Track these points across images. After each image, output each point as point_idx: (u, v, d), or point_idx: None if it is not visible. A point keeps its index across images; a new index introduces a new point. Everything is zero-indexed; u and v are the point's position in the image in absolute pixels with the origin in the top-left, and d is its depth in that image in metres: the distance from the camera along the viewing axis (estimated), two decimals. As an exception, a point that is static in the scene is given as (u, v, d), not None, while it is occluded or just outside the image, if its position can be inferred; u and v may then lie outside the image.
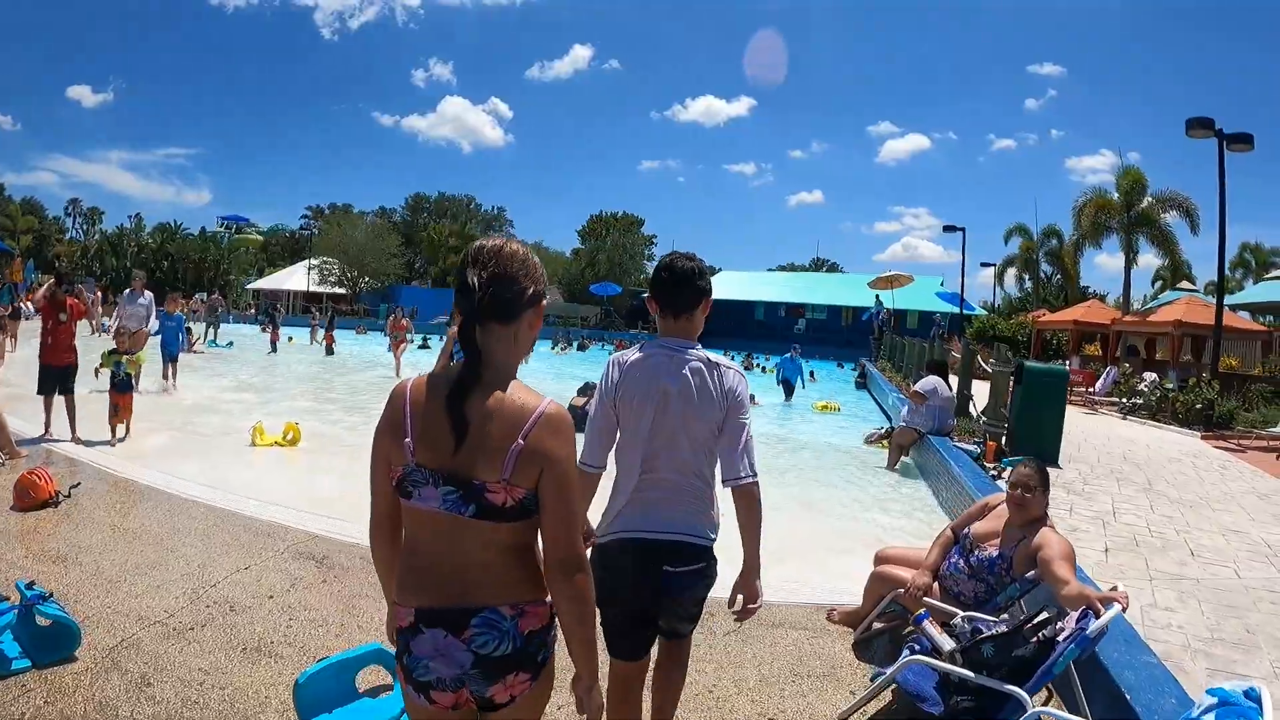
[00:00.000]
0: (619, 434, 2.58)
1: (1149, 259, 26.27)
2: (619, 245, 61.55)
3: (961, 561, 3.93)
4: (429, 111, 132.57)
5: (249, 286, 55.62)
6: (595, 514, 2.66)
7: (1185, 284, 34.41)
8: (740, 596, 2.58)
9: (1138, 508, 7.43)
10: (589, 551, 2.44)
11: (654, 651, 2.76)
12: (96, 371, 8.90)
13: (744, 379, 2.63)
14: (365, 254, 51.12)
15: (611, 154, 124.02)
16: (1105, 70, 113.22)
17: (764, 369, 28.32)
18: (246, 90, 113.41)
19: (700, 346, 2.62)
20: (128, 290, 12.86)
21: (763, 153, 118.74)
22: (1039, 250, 40.05)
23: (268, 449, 8.68)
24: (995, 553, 3.80)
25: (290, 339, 27.23)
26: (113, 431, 8.19)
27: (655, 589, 2.52)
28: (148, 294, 12.75)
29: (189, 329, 21.17)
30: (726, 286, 52.07)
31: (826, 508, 7.88)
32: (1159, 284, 42.72)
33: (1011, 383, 9.43)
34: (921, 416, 9.72)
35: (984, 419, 9.52)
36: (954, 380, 10.37)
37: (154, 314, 12.52)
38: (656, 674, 2.79)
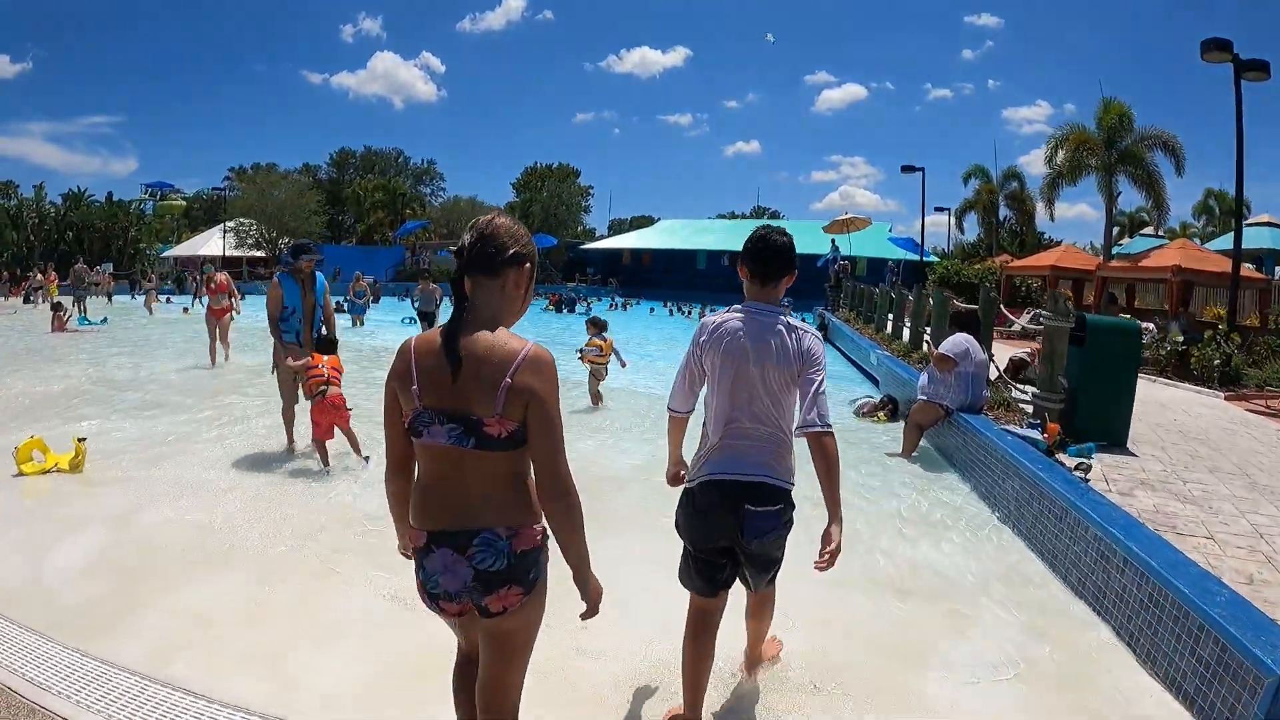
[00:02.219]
0: (707, 388, 2.93)
1: (1094, 203, 24.23)
2: (555, 196, 58.79)
3: None
4: (359, 69, 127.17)
5: (165, 254, 51.78)
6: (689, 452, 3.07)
7: (1147, 230, 33.18)
8: (824, 546, 2.72)
9: (1271, 517, 5.26)
10: (680, 493, 2.99)
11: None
12: None
13: (820, 341, 2.89)
14: (284, 213, 47.73)
15: (546, 107, 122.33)
16: (1042, 22, 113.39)
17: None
18: (172, 54, 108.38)
19: (787, 310, 2.95)
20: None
21: (698, 103, 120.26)
22: (1000, 193, 38.29)
23: (39, 477, 5.97)
24: None
25: (185, 309, 24.35)
26: None
27: (738, 527, 2.77)
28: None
29: (58, 304, 18.24)
30: (666, 236, 49.87)
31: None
32: (1116, 230, 41.69)
33: (1067, 342, 7.16)
34: (949, 387, 7.43)
35: (1034, 392, 7.26)
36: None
37: None
38: (749, 620, 3.24)
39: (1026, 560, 5.11)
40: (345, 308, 21.11)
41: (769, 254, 2.93)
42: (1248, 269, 18.47)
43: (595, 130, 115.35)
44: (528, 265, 2.11)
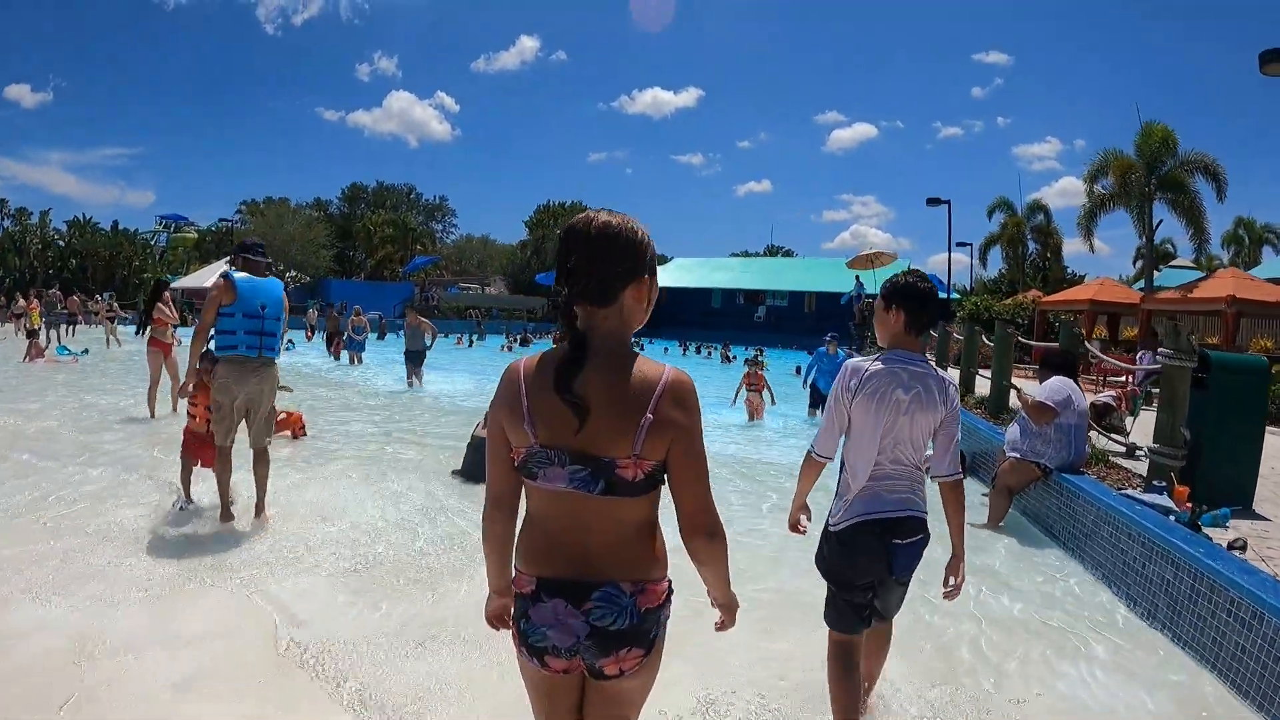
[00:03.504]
0: (851, 433, 2.92)
1: (1107, 237, 22.90)
2: (568, 234, 58.07)
3: None
4: (374, 106, 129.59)
5: (172, 285, 51.16)
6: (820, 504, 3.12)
7: (1177, 261, 31.92)
8: (951, 578, 2.99)
9: None
10: (821, 540, 3.05)
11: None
12: None
13: (958, 392, 2.99)
14: (291, 246, 47.13)
15: (559, 146, 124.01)
16: (1051, 59, 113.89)
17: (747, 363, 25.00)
18: (189, 88, 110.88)
19: (928, 359, 3.00)
20: None
21: (710, 143, 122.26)
22: (1026, 226, 37.10)
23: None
24: None
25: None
26: None
27: (887, 564, 2.89)
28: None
29: (34, 331, 17.19)
30: (679, 274, 48.92)
31: (911, 643, 4.14)
32: (1139, 263, 40.44)
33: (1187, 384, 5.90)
34: (1047, 442, 6.18)
35: (1149, 449, 5.99)
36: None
37: None
38: (867, 660, 3.13)
39: (1199, 679, 3.85)
40: (346, 344, 20.06)
41: (928, 299, 2.92)
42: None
43: (608, 170, 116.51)
44: (647, 278, 1.82)
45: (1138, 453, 7.55)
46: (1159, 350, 5.93)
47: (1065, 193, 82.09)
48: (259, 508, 5.55)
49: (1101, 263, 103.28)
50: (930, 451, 2.96)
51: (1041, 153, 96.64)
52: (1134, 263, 40.52)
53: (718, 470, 7.84)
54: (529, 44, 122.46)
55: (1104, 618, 4.61)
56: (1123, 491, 5.57)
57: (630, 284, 1.75)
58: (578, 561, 1.74)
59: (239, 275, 5.55)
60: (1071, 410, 6.13)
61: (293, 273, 48.62)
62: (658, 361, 1.76)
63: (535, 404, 1.72)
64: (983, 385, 11.91)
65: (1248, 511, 5.72)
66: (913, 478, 2.92)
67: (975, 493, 7.54)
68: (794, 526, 3.15)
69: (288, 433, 8.86)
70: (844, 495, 2.96)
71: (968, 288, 44.09)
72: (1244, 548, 4.70)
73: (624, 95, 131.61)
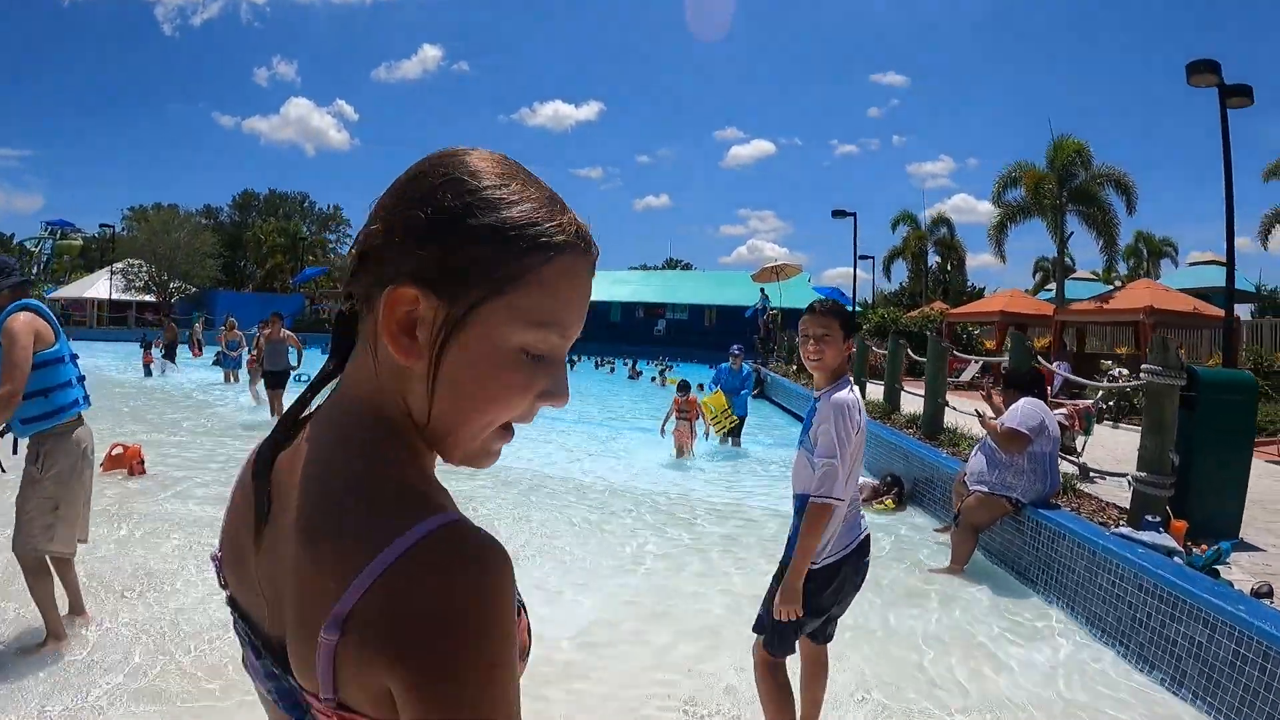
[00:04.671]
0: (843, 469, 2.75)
1: (1009, 249, 23.05)
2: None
3: None
4: (272, 113, 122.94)
5: (50, 296, 47.61)
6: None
7: (1080, 274, 32.73)
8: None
9: None
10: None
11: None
12: None
13: None
14: (176, 255, 44.22)
15: None
16: (946, 80, 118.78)
17: (655, 380, 24.06)
18: (81, 88, 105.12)
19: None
20: None
21: (610, 157, 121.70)
22: (930, 239, 37.55)
23: None
24: None
25: None
26: None
27: (861, 579, 2.93)
28: None
29: None
30: (579, 287, 47.85)
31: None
32: (1039, 274, 41.45)
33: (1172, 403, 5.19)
34: (1019, 474, 5.36)
35: (1134, 477, 5.23)
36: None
37: None
38: (809, 690, 3.08)
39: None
40: (221, 361, 18.25)
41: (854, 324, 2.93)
42: (1201, 304, 17.44)
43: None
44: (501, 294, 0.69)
45: (1091, 474, 6.92)
46: (1142, 366, 5.20)
47: (959, 209, 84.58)
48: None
49: (999, 276, 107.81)
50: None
51: (936, 170, 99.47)
52: (1033, 275, 41.61)
53: (637, 508, 7.00)
54: (431, 53, 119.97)
55: (1120, 691, 3.77)
56: (1116, 530, 4.78)
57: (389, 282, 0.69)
58: None
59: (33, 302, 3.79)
60: (1046, 436, 5.34)
61: (177, 283, 45.60)
62: (425, 492, 0.68)
63: (231, 516, 0.80)
64: (910, 403, 11.27)
65: (1229, 536, 5.12)
66: (857, 500, 2.96)
67: (925, 529, 6.74)
68: (798, 601, 2.73)
69: (123, 469, 7.45)
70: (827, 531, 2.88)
71: (869, 301, 44.56)
72: (1270, 594, 3.98)
73: (525, 107, 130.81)
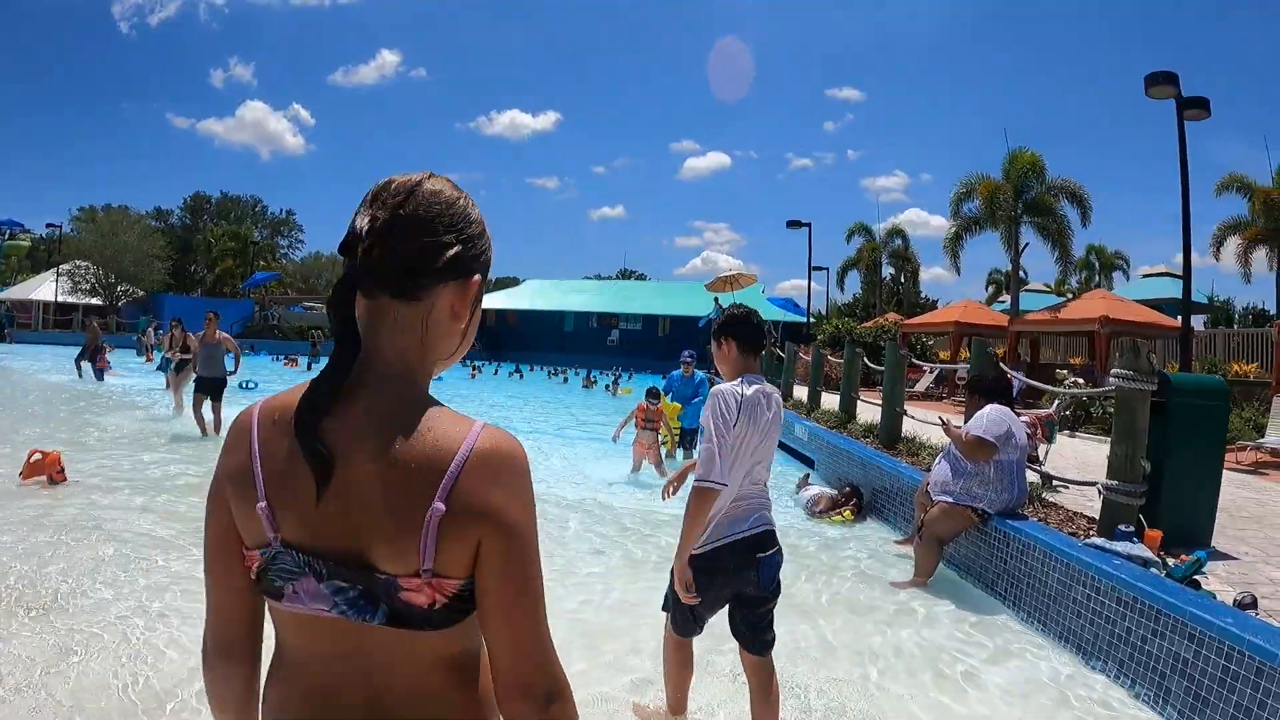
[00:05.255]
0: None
1: (961, 261, 23.17)
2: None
3: None
4: (227, 115, 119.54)
5: (1, 296, 46.14)
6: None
7: (1033, 286, 33.18)
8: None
9: None
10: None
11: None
12: None
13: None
14: (125, 257, 43.02)
15: (414, 165, 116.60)
16: (901, 95, 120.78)
17: (608, 388, 23.75)
18: (33, 85, 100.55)
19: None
20: None
21: (566, 167, 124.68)
22: (884, 251, 37.78)
23: None
24: None
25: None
26: None
27: (755, 578, 2.85)
28: None
29: None
30: (532, 296, 47.85)
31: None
32: (992, 287, 42.00)
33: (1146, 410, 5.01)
34: (986, 484, 5.14)
35: (1103, 485, 5.04)
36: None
37: None
38: (758, 707, 2.94)
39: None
40: (161, 366, 17.54)
41: (758, 328, 3.01)
42: (1156, 314, 17.67)
43: (463, 190, 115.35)
44: (478, 279, 1.06)
45: (1056, 483, 6.76)
46: (1112, 371, 5.02)
47: (912, 223, 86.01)
48: None
49: (952, 288, 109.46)
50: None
51: (889, 185, 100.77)
52: (986, 287, 42.14)
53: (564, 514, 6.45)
54: (390, 58, 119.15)
55: (1111, 715, 3.53)
56: (1089, 541, 4.57)
57: (450, 281, 1.00)
58: None
59: None
60: (1013, 445, 5.14)
61: (124, 286, 44.53)
62: (465, 416, 0.97)
63: (272, 472, 0.94)
64: (866, 412, 11.09)
65: (1200, 544, 4.97)
66: (764, 495, 2.98)
67: (886, 541, 6.50)
68: (688, 585, 2.81)
69: (42, 478, 6.93)
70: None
71: (822, 312, 44.82)
72: (1254, 604, 3.80)
73: (482, 116, 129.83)
